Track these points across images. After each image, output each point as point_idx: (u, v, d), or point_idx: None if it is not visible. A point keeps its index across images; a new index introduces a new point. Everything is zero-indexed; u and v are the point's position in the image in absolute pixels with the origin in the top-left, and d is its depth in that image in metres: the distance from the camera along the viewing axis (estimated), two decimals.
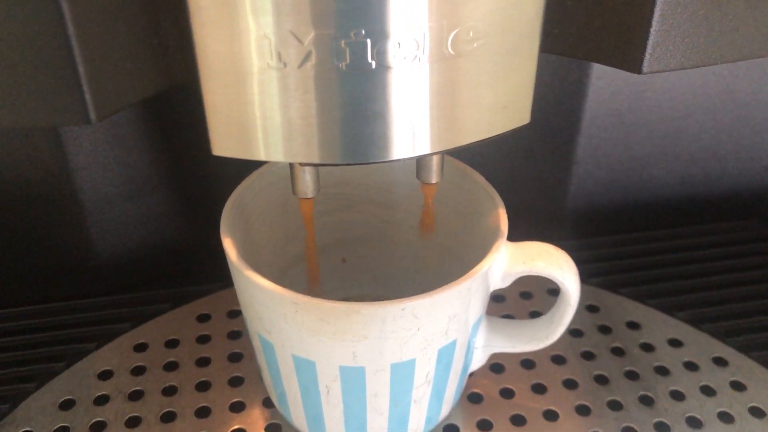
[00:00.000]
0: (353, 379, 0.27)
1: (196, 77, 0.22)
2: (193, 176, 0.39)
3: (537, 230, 0.41)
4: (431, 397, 0.29)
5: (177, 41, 0.21)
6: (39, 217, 0.38)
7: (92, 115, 0.21)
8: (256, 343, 0.29)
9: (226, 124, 0.22)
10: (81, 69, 0.20)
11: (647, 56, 0.23)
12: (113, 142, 0.36)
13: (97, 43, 0.20)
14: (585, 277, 0.40)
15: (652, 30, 0.22)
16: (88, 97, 0.20)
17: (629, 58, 0.23)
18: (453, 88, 0.22)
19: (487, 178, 0.31)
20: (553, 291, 0.40)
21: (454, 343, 0.28)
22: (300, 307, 0.25)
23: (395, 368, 0.27)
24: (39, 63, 0.20)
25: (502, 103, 0.23)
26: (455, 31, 0.21)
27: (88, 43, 0.20)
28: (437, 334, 0.26)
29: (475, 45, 0.21)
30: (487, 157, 0.35)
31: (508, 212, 0.29)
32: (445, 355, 0.28)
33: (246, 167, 0.31)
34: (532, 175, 0.41)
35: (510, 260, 0.28)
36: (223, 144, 0.23)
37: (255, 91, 0.21)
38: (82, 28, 0.19)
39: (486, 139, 0.23)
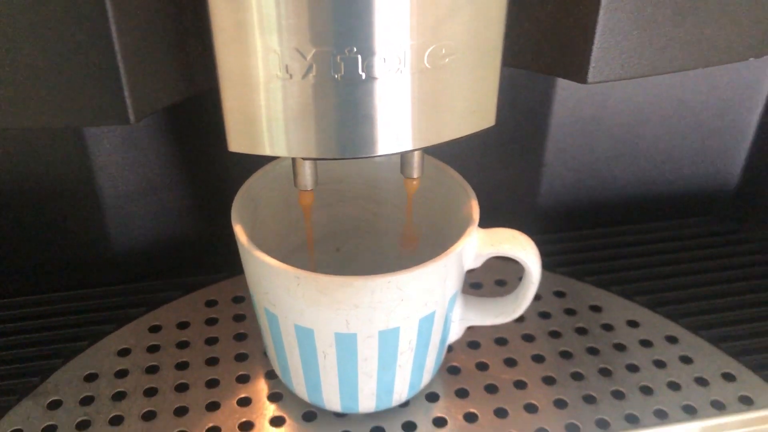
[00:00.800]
0: (346, 345, 0.31)
1: (216, 86, 0.26)
2: (202, 176, 0.43)
3: (511, 225, 0.46)
4: (414, 363, 0.34)
5: (201, 55, 0.26)
6: (63, 211, 0.42)
7: (131, 117, 0.25)
8: (262, 317, 0.34)
9: (240, 125, 0.27)
10: (123, 76, 0.24)
11: (591, 68, 0.27)
12: (131, 145, 0.41)
13: (135, 55, 0.24)
14: (554, 267, 0.45)
15: (594, 47, 0.27)
16: (128, 100, 0.25)
17: (576, 70, 0.28)
18: (429, 95, 0.26)
19: (465, 179, 0.36)
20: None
21: (433, 314, 0.32)
22: (301, 281, 0.30)
23: (382, 335, 0.31)
24: (86, 70, 0.24)
25: (471, 108, 0.28)
26: (430, 48, 0.25)
27: (129, 54, 0.24)
28: (418, 305, 0.31)
29: (447, 60, 0.26)
30: (465, 160, 0.39)
31: (485, 210, 0.34)
32: (425, 325, 0.32)
33: (250, 169, 0.36)
34: (506, 177, 0.46)
35: (480, 243, 0.32)
36: (237, 142, 0.27)
37: (265, 97, 0.26)
38: (125, 41, 0.24)
39: (458, 138, 0.28)
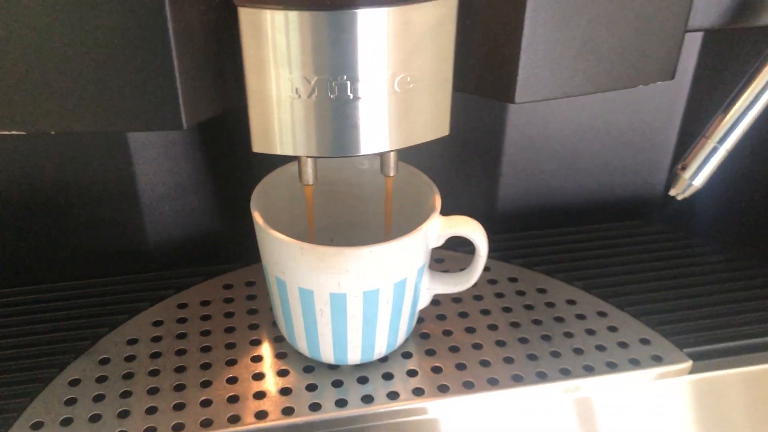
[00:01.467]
0: (338, 303, 0.41)
1: (245, 102, 0.36)
2: (223, 183, 0.53)
3: None
4: (391, 322, 0.43)
5: (233, 76, 0.36)
6: (106, 208, 0.52)
7: (184, 123, 0.35)
8: (273, 285, 0.43)
9: (261, 132, 0.37)
10: (179, 90, 0.34)
11: (517, 92, 0.37)
12: (166, 155, 0.51)
13: (188, 74, 0.34)
14: (509, 259, 0.55)
15: (519, 76, 0.37)
16: (182, 109, 0.35)
17: (507, 93, 0.38)
18: (399, 110, 0.36)
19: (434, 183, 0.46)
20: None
21: (405, 281, 0.42)
22: (304, 251, 0.39)
23: (366, 295, 0.41)
24: (150, 84, 0.33)
25: (430, 120, 0.38)
26: (399, 77, 0.35)
27: (184, 73, 0.34)
28: (393, 272, 0.41)
29: (412, 85, 0.36)
30: (436, 172, 0.49)
31: (452, 213, 0.44)
32: (399, 289, 0.42)
33: (262, 175, 0.45)
34: (469, 185, 0.56)
35: (441, 226, 0.42)
36: (259, 144, 0.37)
37: (280, 111, 0.36)
38: (182, 64, 0.33)
39: (421, 143, 0.38)
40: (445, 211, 0.43)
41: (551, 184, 0.57)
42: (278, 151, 0.37)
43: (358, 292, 0.41)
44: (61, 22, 0.31)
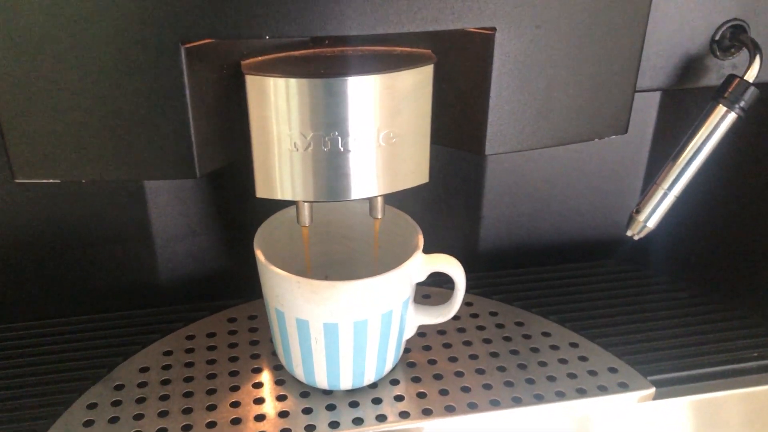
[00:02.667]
0: (331, 332, 0.46)
1: (250, 154, 0.41)
2: (228, 224, 0.58)
3: None
4: (379, 350, 0.48)
5: (239, 132, 0.41)
6: (121, 249, 0.57)
7: (197, 172, 0.40)
8: (272, 316, 0.48)
9: (264, 179, 0.42)
10: (194, 141, 0.39)
11: (486, 145, 0.43)
12: (178, 199, 0.56)
13: (201, 129, 0.39)
14: (490, 295, 0.60)
15: (487, 131, 0.42)
16: (196, 160, 0.40)
17: (477, 146, 0.43)
18: (384, 161, 0.42)
19: (420, 227, 0.51)
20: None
21: (391, 312, 0.47)
22: (301, 285, 0.44)
23: (356, 325, 0.46)
24: (166, 137, 0.39)
25: (411, 169, 0.43)
26: (383, 133, 0.41)
27: (197, 129, 0.39)
28: (380, 304, 0.46)
29: (394, 140, 0.41)
30: (419, 215, 0.54)
31: (436, 251, 0.49)
32: (386, 319, 0.47)
33: (263, 217, 0.51)
34: (452, 226, 0.61)
35: (423, 263, 0.47)
36: (261, 190, 0.42)
37: (280, 161, 0.41)
38: (196, 122, 0.39)
39: (404, 188, 0.43)
40: (431, 250, 0.49)
41: (529, 226, 0.62)
42: (279, 197, 0.42)
43: (348, 322, 0.45)
44: (96, 84, 0.37)
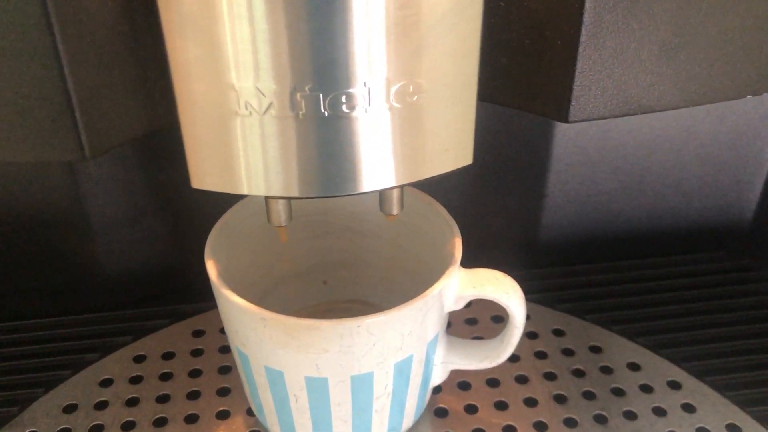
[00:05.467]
0: (318, 389, 0.30)
1: (177, 121, 0.25)
2: (189, 202, 0.42)
3: (510, 258, 0.44)
4: (392, 408, 0.32)
5: (161, 91, 0.25)
6: (52, 238, 0.41)
7: (87, 153, 0.24)
8: (235, 355, 0.33)
9: (200, 161, 0.26)
10: (77, 111, 0.23)
11: (572, 107, 0.26)
12: (118, 172, 0.40)
13: (92, 90, 0.24)
14: (553, 303, 0.43)
15: (575, 84, 0.25)
16: (83, 137, 0.24)
17: (557, 108, 0.26)
18: (399, 133, 0.25)
19: (456, 213, 0.34)
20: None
21: (411, 358, 0.31)
22: (268, 323, 0.28)
23: (355, 380, 0.30)
24: (40, 106, 0.23)
25: (445, 146, 0.26)
26: (397, 86, 0.24)
27: (84, 89, 0.23)
28: (392, 350, 0.30)
29: (416, 98, 0.25)
30: (456, 193, 0.38)
31: (480, 244, 0.32)
32: (402, 369, 0.31)
33: (232, 197, 0.35)
34: (504, 207, 0.44)
35: (461, 284, 0.31)
36: (200, 178, 0.26)
37: (226, 134, 0.25)
38: (79, 77, 0.23)
39: (430, 177, 0.27)
40: (470, 244, 0.32)
41: (610, 208, 0.45)
42: (227, 189, 0.26)
43: (343, 377, 0.30)
44: None
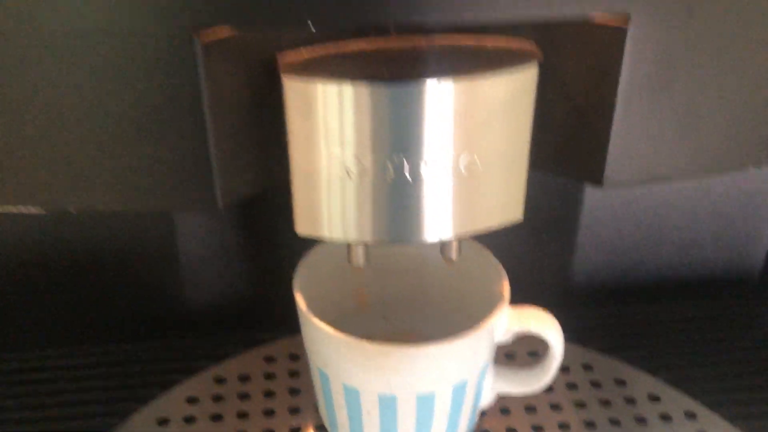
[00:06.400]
0: (388, 405, 0.36)
1: (289, 180, 0.32)
2: (268, 244, 0.49)
3: (545, 301, 0.49)
4: (448, 425, 0.38)
5: (277, 155, 0.31)
6: (146, 273, 0.48)
7: (219, 202, 0.31)
8: (315, 375, 0.38)
9: (306, 213, 0.32)
10: (214, 171, 0.30)
11: (606, 175, 0.32)
12: (211, 216, 0.47)
13: (225, 153, 0.30)
14: (584, 340, 0.49)
15: (608, 155, 0.31)
16: (217, 187, 0.30)
17: (594, 175, 0.32)
18: (464, 195, 0.31)
19: (502, 258, 0.40)
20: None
21: (465, 383, 0.36)
22: (350, 347, 0.34)
23: (419, 398, 0.36)
24: (184, 164, 0.29)
25: (501, 205, 0.32)
26: (466, 157, 0.30)
27: (221, 153, 0.30)
28: (452, 373, 0.35)
29: (477, 167, 0.31)
30: (502, 241, 0.44)
31: (521, 286, 0.38)
32: (458, 391, 0.36)
33: (310, 241, 0.41)
34: (540, 254, 0.50)
35: (509, 320, 0.37)
36: (303, 225, 0.32)
37: (330, 192, 0.31)
38: (218, 144, 0.29)
39: (487, 230, 0.33)
40: (513, 285, 0.38)
41: (633, 257, 0.50)
42: (326, 235, 0.32)
43: (410, 396, 0.35)
44: (85, 94, 0.27)
